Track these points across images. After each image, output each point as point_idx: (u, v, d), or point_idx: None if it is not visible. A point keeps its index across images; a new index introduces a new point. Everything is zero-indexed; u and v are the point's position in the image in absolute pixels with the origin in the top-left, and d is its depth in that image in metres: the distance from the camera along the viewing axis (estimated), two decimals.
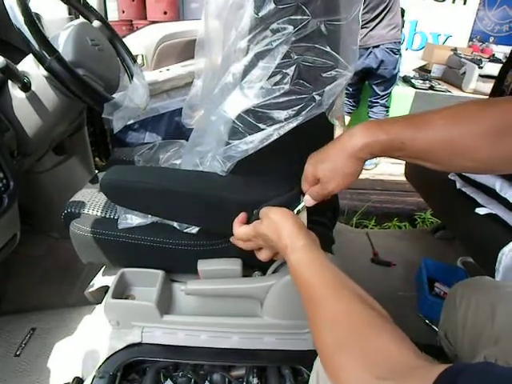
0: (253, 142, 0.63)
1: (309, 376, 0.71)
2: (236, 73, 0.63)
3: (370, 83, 2.85)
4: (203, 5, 0.73)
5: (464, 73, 3.10)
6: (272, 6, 0.59)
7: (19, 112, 0.90)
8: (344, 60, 0.62)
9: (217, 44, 0.73)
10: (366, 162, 2.25)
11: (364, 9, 2.58)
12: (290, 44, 0.59)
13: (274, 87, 0.61)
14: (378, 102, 2.85)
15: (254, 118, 0.63)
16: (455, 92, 3.11)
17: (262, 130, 0.62)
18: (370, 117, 2.89)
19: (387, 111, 2.87)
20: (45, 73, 0.86)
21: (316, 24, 0.59)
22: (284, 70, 0.60)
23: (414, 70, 3.50)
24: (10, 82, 0.87)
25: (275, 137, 0.62)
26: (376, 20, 2.62)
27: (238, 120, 0.64)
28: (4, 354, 0.99)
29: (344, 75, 0.62)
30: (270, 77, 0.61)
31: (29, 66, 0.89)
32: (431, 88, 3.08)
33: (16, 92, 0.88)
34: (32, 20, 0.77)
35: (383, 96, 2.82)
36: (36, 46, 0.77)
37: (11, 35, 1.01)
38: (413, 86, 3.09)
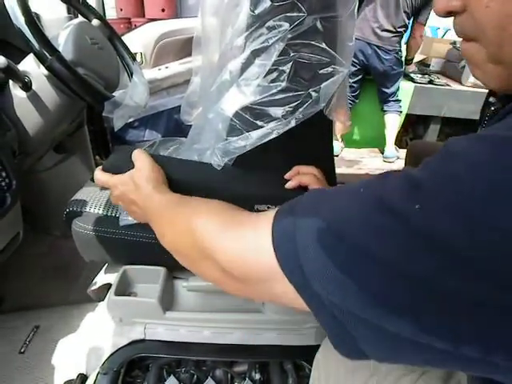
0: (251, 139, 0.63)
1: (310, 371, 0.72)
2: (233, 70, 0.63)
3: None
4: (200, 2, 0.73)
5: (463, 66, 3.09)
6: (268, 3, 0.59)
7: (20, 111, 0.91)
8: (340, 57, 0.62)
9: (213, 41, 0.73)
10: (389, 155, 2.31)
11: None
12: (286, 41, 0.60)
13: (270, 84, 0.61)
14: (388, 100, 2.89)
15: (250, 116, 0.63)
16: (455, 86, 3.10)
17: (260, 127, 0.63)
18: (384, 110, 2.92)
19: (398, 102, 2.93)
20: (45, 72, 0.87)
21: (312, 21, 0.60)
22: (280, 67, 0.61)
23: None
24: (11, 81, 0.88)
25: (274, 135, 0.62)
26: None
27: (235, 117, 0.65)
28: (9, 351, 0.99)
29: (340, 72, 0.62)
30: (266, 74, 0.61)
31: (29, 65, 0.89)
32: (430, 82, 3.07)
33: (17, 92, 0.89)
34: (32, 20, 0.77)
35: (390, 95, 2.85)
36: (37, 46, 0.78)
37: (12, 35, 1.02)
38: (412, 80, 3.09)
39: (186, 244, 0.48)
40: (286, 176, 0.71)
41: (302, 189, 0.69)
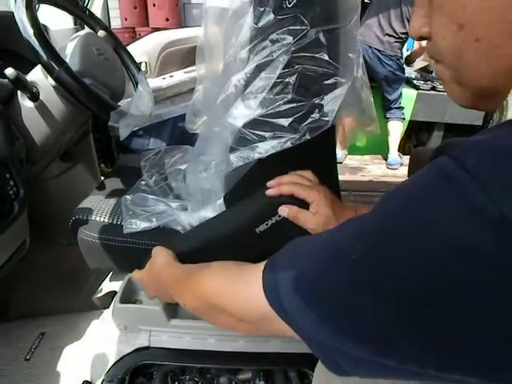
0: (259, 150, 0.64)
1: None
2: (238, 84, 0.64)
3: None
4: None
5: None
6: (271, 16, 0.60)
7: (28, 121, 0.92)
8: (343, 68, 0.63)
9: (216, 50, 0.74)
10: (392, 162, 2.30)
11: None
12: (289, 54, 0.60)
13: (276, 97, 0.62)
14: (391, 108, 2.89)
15: (257, 127, 0.64)
16: None
17: (267, 138, 0.64)
18: (387, 118, 2.93)
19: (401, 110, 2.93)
20: (53, 83, 0.88)
21: (315, 33, 0.61)
22: (286, 80, 0.62)
23: (415, 71, 3.50)
24: (19, 92, 0.90)
25: (281, 148, 0.64)
26: None
27: (242, 129, 0.65)
28: (14, 358, 1.00)
29: (343, 83, 0.63)
30: (272, 87, 0.62)
31: (37, 76, 0.91)
32: (433, 89, 3.07)
33: (25, 102, 0.90)
34: (41, 32, 0.79)
35: (392, 101, 2.86)
36: (45, 58, 0.79)
37: (20, 47, 1.04)
38: (415, 87, 3.10)
39: (203, 305, 0.57)
40: (268, 184, 0.69)
41: (285, 197, 0.67)
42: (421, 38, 0.38)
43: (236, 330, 0.55)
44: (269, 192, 0.67)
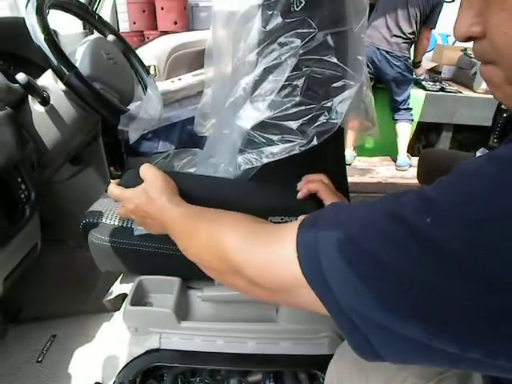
0: (267, 153, 0.64)
1: (324, 380, 0.72)
2: (246, 87, 0.65)
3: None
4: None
5: (475, 73, 3.07)
6: (279, 19, 0.61)
7: (39, 125, 0.93)
8: (351, 70, 0.63)
9: (225, 53, 0.75)
10: (401, 163, 2.30)
11: None
12: (298, 57, 0.61)
13: (284, 100, 0.62)
14: (399, 109, 2.88)
15: (266, 130, 0.64)
16: (466, 93, 3.08)
17: (275, 141, 0.64)
18: (395, 119, 2.92)
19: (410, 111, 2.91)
20: (63, 87, 0.89)
21: (322, 36, 0.61)
22: (294, 83, 0.62)
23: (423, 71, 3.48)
24: (30, 96, 0.91)
25: (293, 152, 0.64)
26: None
27: (251, 132, 0.66)
28: (27, 360, 1.01)
29: (352, 86, 0.63)
30: (280, 90, 0.62)
31: (48, 80, 0.92)
32: (442, 89, 3.06)
33: (36, 106, 0.92)
34: (51, 38, 0.80)
35: (401, 103, 2.84)
36: (55, 62, 0.80)
37: (30, 52, 1.05)
38: (423, 88, 3.08)
39: (212, 258, 0.50)
40: (298, 187, 0.72)
41: (312, 196, 0.70)
42: (468, 39, 0.37)
43: (249, 295, 0.47)
44: (299, 195, 0.70)
